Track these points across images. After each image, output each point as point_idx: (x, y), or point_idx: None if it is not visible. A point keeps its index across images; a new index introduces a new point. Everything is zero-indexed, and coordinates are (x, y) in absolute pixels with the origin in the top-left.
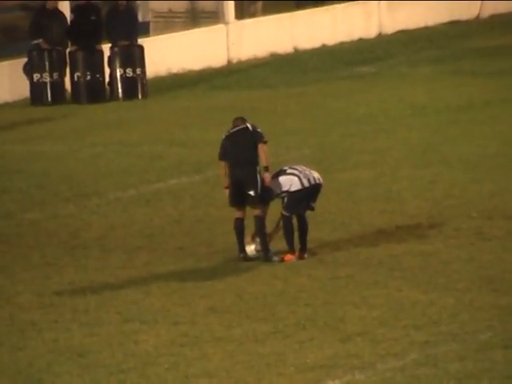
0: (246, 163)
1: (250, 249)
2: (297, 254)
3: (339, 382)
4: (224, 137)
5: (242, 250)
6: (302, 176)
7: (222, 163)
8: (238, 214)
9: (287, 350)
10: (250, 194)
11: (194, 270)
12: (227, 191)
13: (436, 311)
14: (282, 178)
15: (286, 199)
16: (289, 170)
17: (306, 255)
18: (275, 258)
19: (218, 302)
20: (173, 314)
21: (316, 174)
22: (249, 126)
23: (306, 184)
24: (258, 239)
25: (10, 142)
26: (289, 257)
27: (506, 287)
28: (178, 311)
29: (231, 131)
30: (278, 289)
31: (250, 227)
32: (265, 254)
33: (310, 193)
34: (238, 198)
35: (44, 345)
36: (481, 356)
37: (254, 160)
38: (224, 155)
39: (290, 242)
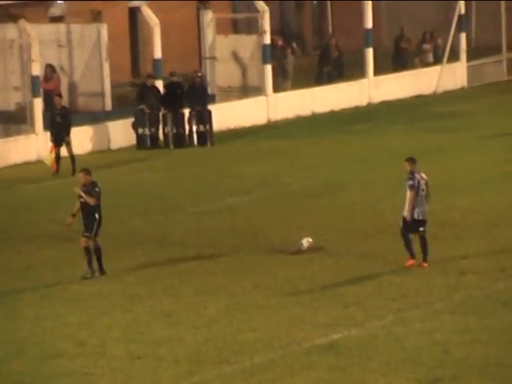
0: None
1: (307, 241)
2: (417, 262)
3: None
4: None
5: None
6: (417, 207)
7: None
8: None
9: None
10: None
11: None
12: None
13: None
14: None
15: None
16: (419, 193)
17: (425, 264)
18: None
19: None
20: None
21: (426, 209)
22: None
23: (415, 216)
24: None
25: (123, 174)
26: (410, 262)
27: None
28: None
29: None
30: None
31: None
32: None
33: (415, 223)
34: None
35: None
36: None
37: None
38: None
39: (408, 251)
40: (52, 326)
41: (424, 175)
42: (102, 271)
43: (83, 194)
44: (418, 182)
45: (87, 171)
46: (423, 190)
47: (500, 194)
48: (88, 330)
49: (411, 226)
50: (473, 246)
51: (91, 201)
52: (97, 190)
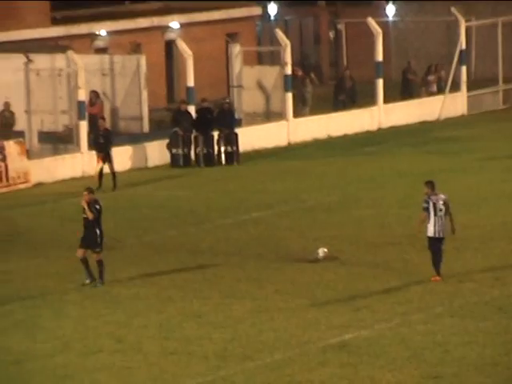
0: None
1: (323, 251)
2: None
3: None
4: None
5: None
6: (435, 223)
7: None
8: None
9: None
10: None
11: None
12: None
13: None
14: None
15: None
16: (436, 214)
17: (438, 278)
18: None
19: None
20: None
21: (443, 228)
22: None
23: (433, 234)
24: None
25: (158, 189)
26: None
27: None
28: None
29: None
30: None
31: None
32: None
33: (436, 240)
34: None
35: None
36: None
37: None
38: None
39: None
40: (94, 324)
41: (442, 195)
42: (91, 280)
43: (86, 207)
44: (434, 204)
45: (91, 190)
46: (441, 211)
47: (496, 211)
48: (126, 328)
49: (434, 243)
50: (471, 257)
51: (90, 215)
52: (97, 207)
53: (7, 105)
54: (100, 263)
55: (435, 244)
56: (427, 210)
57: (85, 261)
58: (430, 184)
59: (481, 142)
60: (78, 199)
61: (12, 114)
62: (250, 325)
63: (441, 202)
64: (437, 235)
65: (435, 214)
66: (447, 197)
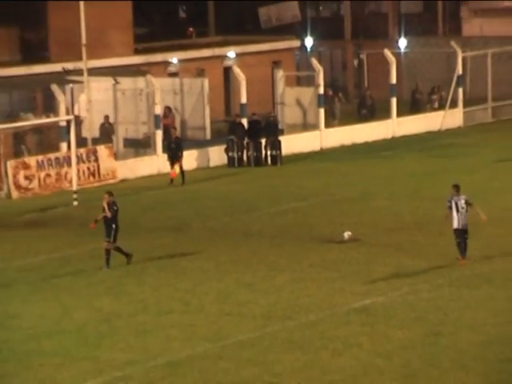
0: None
1: (348, 234)
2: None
3: None
4: None
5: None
6: (458, 219)
7: None
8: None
9: None
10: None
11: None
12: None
13: None
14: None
15: None
16: (459, 211)
17: (463, 261)
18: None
19: None
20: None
21: (465, 222)
22: None
23: (457, 226)
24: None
25: (218, 184)
26: (463, 262)
27: None
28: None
29: None
30: None
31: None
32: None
33: (460, 232)
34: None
35: None
36: None
37: None
38: None
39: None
40: (166, 291)
41: (464, 196)
42: (128, 258)
43: (106, 207)
44: (456, 203)
45: (111, 193)
46: (463, 208)
47: (486, 204)
48: (192, 294)
49: (459, 235)
50: None
51: (109, 213)
52: (115, 208)
53: (107, 118)
54: (107, 251)
55: (460, 234)
56: (450, 208)
57: (108, 252)
58: (456, 187)
59: (474, 148)
60: (154, 192)
61: (111, 125)
62: (290, 292)
63: (462, 202)
64: (460, 227)
65: (457, 211)
66: (468, 197)
